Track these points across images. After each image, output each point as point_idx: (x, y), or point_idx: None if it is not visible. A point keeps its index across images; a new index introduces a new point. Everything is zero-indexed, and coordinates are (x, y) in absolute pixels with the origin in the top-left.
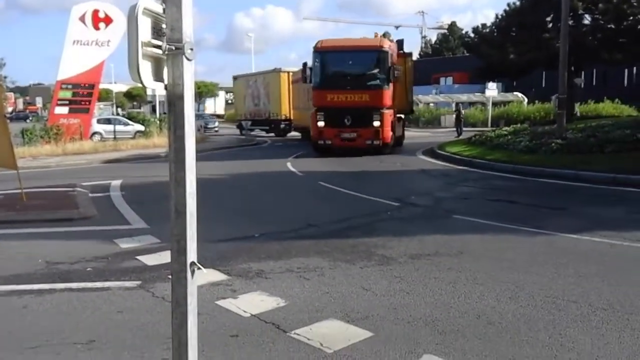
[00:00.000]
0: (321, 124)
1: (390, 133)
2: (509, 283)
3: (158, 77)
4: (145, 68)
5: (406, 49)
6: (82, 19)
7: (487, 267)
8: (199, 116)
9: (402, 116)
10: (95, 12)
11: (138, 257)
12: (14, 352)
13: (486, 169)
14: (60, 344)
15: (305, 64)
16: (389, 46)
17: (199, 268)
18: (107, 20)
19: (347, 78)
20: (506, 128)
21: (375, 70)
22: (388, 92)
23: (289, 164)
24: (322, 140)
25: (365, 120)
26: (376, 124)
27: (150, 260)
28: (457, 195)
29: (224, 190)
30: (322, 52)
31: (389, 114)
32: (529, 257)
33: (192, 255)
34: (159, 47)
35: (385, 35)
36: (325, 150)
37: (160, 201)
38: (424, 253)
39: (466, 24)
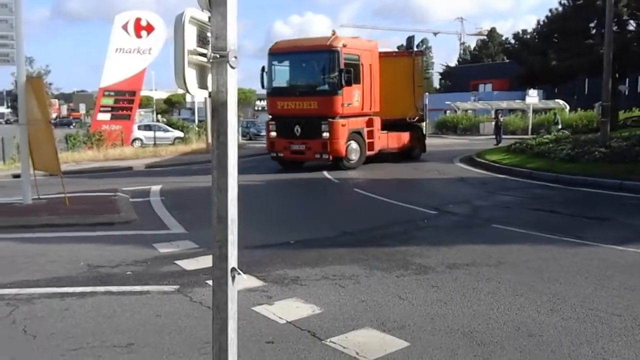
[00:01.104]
0: (273, 134)
1: (343, 146)
2: (550, 295)
3: (202, 84)
4: (191, 75)
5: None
6: (124, 27)
7: (527, 278)
8: (251, 123)
9: (417, 124)
10: (138, 20)
11: (176, 262)
12: (56, 354)
13: (526, 178)
14: (100, 347)
15: (263, 68)
16: (342, 45)
17: (239, 274)
18: (149, 29)
19: (296, 83)
20: (547, 136)
21: (325, 74)
22: (339, 99)
23: (325, 171)
24: (275, 152)
25: (313, 130)
26: (325, 135)
27: (188, 265)
28: (496, 204)
29: (259, 196)
30: (273, 55)
31: (341, 123)
32: (571, 268)
33: (233, 261)
34: (203, 55)
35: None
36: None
37: (198, 207)
38: (462, 263)
39: (507, 30)
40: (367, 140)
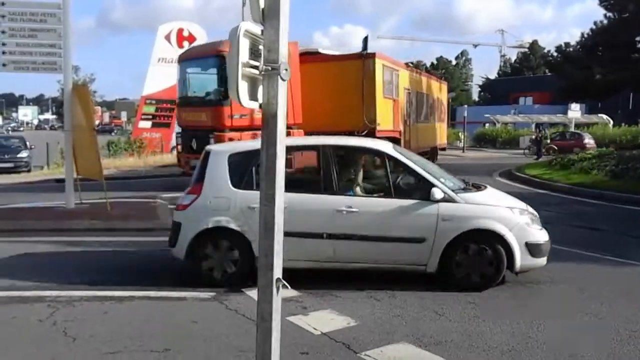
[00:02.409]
0: (179, 147)
1: None
2: (591, 315)
3: (253, 96)
4: (243, 88)
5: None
6: (167, 37)
7: (567, 297)
8: None
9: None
10: (180, 30)
11: None
12: (95, 356)
13: (567, 194)
14: (137, 351)
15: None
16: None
17: (284, 285)
18: (191, 39)
19: (191, 93)
20: (590, 151)
21: (215, 82)
22: (226, 110)
23: None
24: (182, 168)
25: (204, 146)
26: None
27: None
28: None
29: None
30: (180, 63)
31: (228, 137)
32: (613, 287)
33: (278, 271)
34: (255, 67)
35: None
36: None
37: None
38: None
39: (550, 42)
40: None
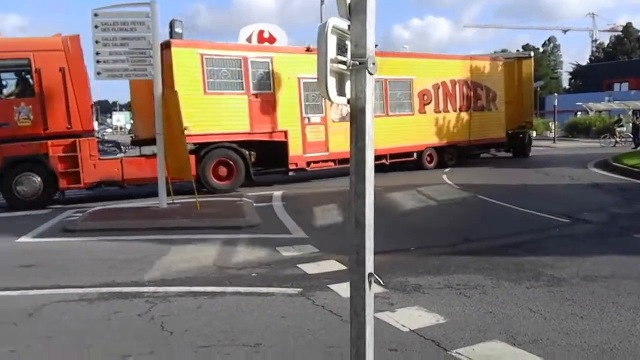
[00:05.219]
0: None
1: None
2: None
3: (341, 91)
4: (332, 83)
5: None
6: (249, 39)
7: None
8: None
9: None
10: (261, 32)
11: (299, 265)
12: (190, 350)
13: None
14: (230, 345)
15: None
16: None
17: (376, 280)
18: (271, 40)
19: None
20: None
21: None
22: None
23: (444, 176)
24: None
25: None
26: None
27: (310, 268)
28: (637, 212)
29: (377, 201)
30: None
31: None
32: None
33: (369, 266)
34: (343, 62)
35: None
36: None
37: (317, 212)
38: (600, 275)
39: None
40: (59, 171)
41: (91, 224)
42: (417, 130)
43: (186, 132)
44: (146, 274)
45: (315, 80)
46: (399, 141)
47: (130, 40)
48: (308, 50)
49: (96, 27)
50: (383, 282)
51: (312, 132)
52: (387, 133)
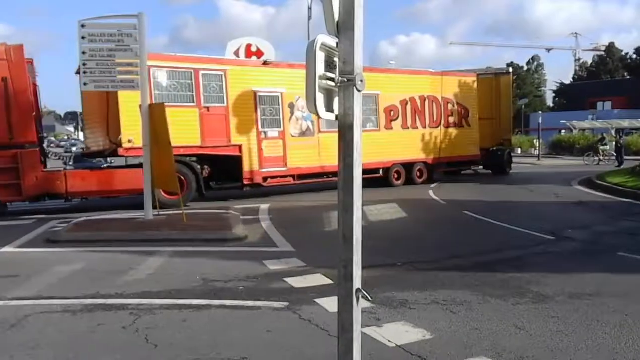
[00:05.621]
0: None
1: None
2: None
3: (329, 107)
4: (320, 100)
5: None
6: (236, 53)
7: None
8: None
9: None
10: (249, 46)
11: (285, 279)
12: None
13: None
14: (215, 359)
15: None
16: None
17: (364, 296)
18: (259, 54)
19: None
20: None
21: None
22: None
23: (431, 192)
24: None
25: None
26: None
27: (296, 282)
28: (622, 230)
29: (365, 216)
30: None
31: None
32: None
33: (357, 281)
34: (331, 79)
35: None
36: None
37: (304, 226)
38: (585, 292)
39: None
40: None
41: (76, 234)
42: (384, 147)
43: (130, 144)
44: (131, 286)
45: (273, 94)
46: (363, 157)
47: (117, 52)
48: (265, 64)
49: (83, 38)
50: (370, 297)
51: (270, 147)
52: None
